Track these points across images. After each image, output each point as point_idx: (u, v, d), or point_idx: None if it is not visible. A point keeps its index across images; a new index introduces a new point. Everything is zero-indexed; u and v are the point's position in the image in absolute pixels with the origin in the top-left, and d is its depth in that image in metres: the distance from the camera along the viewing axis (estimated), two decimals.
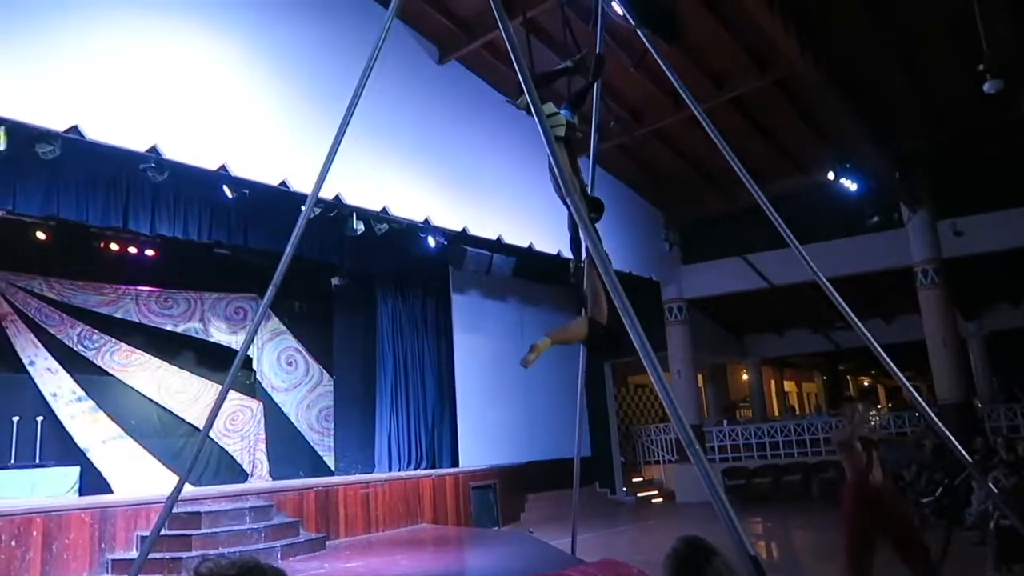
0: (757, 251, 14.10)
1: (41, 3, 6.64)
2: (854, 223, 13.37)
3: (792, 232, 4.82)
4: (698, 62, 10.30)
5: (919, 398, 4.92)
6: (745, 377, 22.69)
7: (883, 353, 4.62)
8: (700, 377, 19.39)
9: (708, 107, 9.19)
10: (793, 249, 4.84)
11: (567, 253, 5.17)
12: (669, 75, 5.22)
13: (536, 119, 3.69)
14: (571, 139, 4.81)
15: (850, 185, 12.17)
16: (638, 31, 5.91)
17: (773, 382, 25.11)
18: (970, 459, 4.83)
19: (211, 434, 11.19)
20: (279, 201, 8.59)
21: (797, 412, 25.27)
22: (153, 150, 7.34)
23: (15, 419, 10.24)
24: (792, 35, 9.42)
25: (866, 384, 29.91)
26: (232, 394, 11.82)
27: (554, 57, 5.64)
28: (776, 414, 22.50)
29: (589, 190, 5.52)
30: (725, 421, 16.71)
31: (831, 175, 12.14)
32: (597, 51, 5.57)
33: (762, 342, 20.68)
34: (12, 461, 9.97)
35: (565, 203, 3.73)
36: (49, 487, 9.65)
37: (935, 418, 4.68)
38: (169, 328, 11.96)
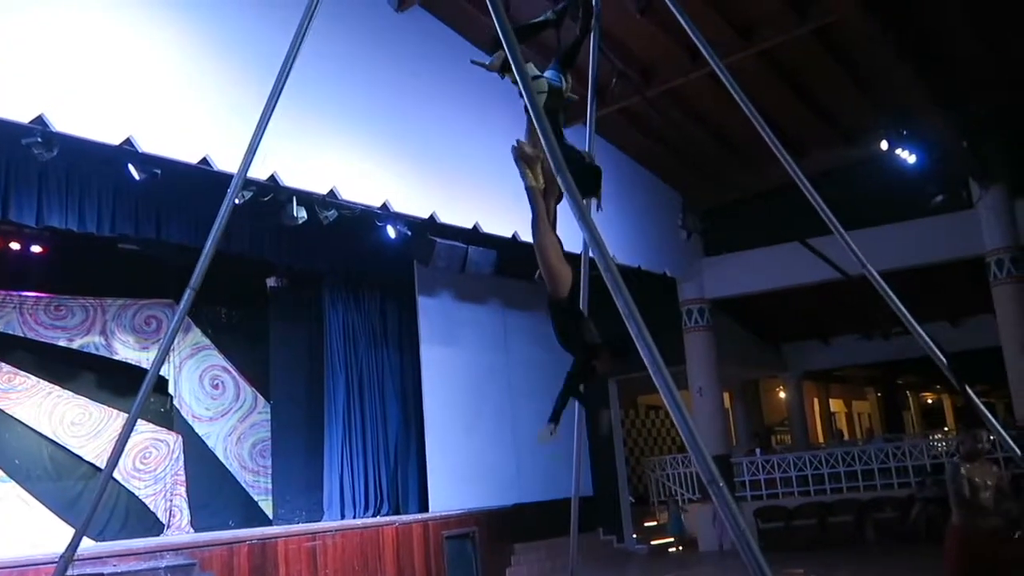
0: (793, 239, 14.18)
1: None
2: (913, 204, 13.44)
3: (837, 216, 4.86)
4: (720, 7, 10.34)
5: (992, 419, 4.97)
6: (783, 395, 22.83)
7: (945, 361, 4.68)
8: (727, 396, 19.50)
9: (732, 62, 9.25)
10: (837, 237, 4.88)
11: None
12: (682, 22, 5.25)
13: (518, 80, 3.71)
14: (555, 108, 4.84)
15: (908, 157, 12.24)
16: None
17: (817, 401, 25.29)
18: None
19: (116, 475, 11.11)
20: (200, 184, 8.50)
21: (846, 437, 25.50)
22: (39, 121, 7.26)
23: None
24: None
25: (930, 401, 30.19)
26: (142, 425, 11.75)
27: (543, 5, 5.65)
28: (821, 440, 22.66)
29: None
30: (758, 450, 16.77)
31: (884, 145, 12.21)
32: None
33: (804, 352, 20.80)
34: None
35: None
36: None
37: (1013, 444, 4.74)
38: (62, 343, 11.88)
